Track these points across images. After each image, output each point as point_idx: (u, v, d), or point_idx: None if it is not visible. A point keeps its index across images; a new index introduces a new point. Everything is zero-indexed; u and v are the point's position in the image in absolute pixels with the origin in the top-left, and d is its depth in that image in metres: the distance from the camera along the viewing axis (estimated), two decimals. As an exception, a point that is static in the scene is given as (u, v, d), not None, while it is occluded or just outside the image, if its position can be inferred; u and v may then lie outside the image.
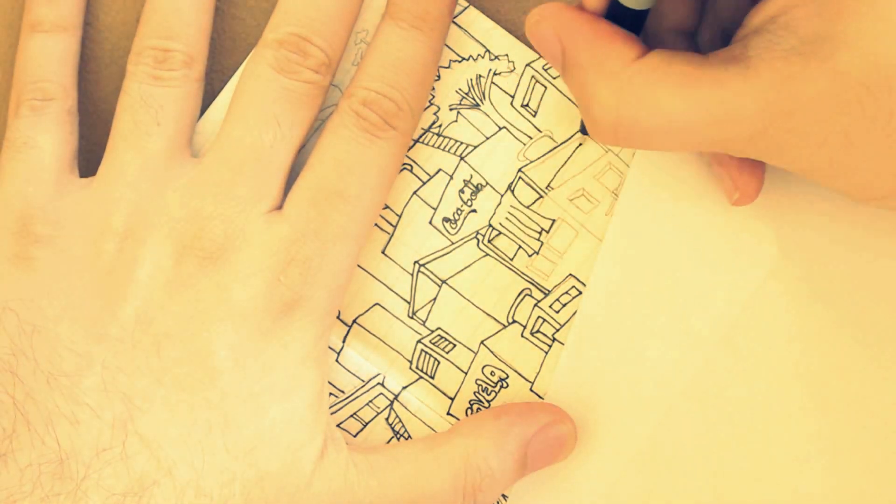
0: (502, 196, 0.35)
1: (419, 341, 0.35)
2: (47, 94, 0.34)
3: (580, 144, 0.35)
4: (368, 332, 0.35)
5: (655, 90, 0.28)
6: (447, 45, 0.35)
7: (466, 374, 0.35)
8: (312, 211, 0.32)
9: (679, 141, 0.29)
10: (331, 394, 0.35)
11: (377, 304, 0.35)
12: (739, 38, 0.29)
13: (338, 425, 0.35)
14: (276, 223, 0.32)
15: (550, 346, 0.36)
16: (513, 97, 0.35)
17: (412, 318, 0.35)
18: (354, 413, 0.35)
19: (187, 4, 0.34)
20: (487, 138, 0.35)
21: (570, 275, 0.35)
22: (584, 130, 0.35)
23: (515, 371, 0.36)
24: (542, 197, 0.35)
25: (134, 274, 0.32)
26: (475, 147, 0.35)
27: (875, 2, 0.26)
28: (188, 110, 0.34)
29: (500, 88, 0.35)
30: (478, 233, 0.35)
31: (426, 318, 0.35)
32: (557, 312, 0.36)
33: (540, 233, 0.35)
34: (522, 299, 0.36)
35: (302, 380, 0.32)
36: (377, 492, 0.32)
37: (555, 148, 0.35)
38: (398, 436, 0.35)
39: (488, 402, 0.36)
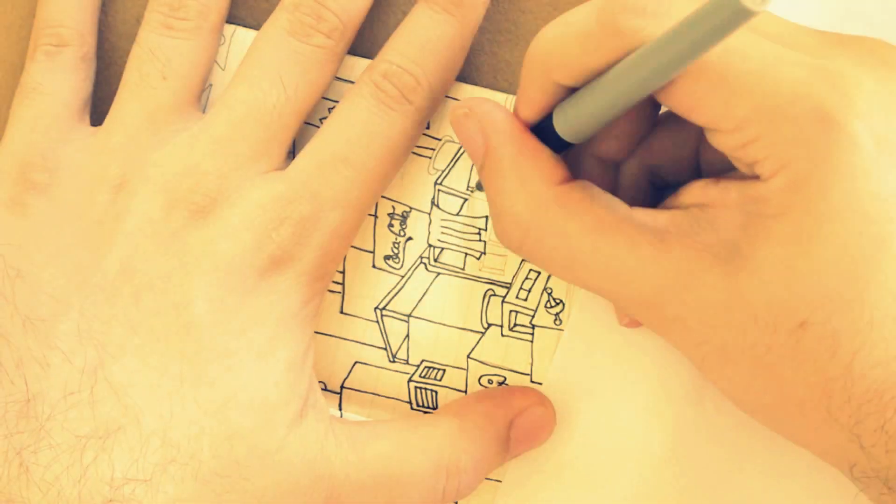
0: (430, 214, 0.35)
1: (409, 380, 0.35)
2: (62, 39, 0.34)
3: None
4: (359, 391, 0.35)
5: (569, 223, 0.29)
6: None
7: (466, 391, 0.35)
8: (314, 172, 0.32)
9: (574, 277, 0.29)
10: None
11: (356, 362, 0.35)
12: (668, 205, 0.29)
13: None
14: (273, 181, 0.32)
15: (533, 334, 0.35)
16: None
17: (394, 361, 0.35)
18: (377, 472, 0.35)
19: None
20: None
21: (524, 260, 0.35)
22: (479, 187, 0.35)
23: (510, 370, 0.35)
24: (466, 200, 0.35)
25: (122, 224, 0.31)
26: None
27: (791, 245, 0.26)
28: (198, 64, 0.34)
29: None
30: (421, 257, 0.35)
31: (407, 357, 0.35)
32: (525, 300, 0.35)
33: (479, 232, 0.35)
34: (489, 301, 0.35)
35: (282, 340, 0.31)
36: (355, 464, 0.31)
37: (459, 149, 0.35)
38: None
39: (497, 409, 0.35)
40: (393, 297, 0.35)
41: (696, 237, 0.28)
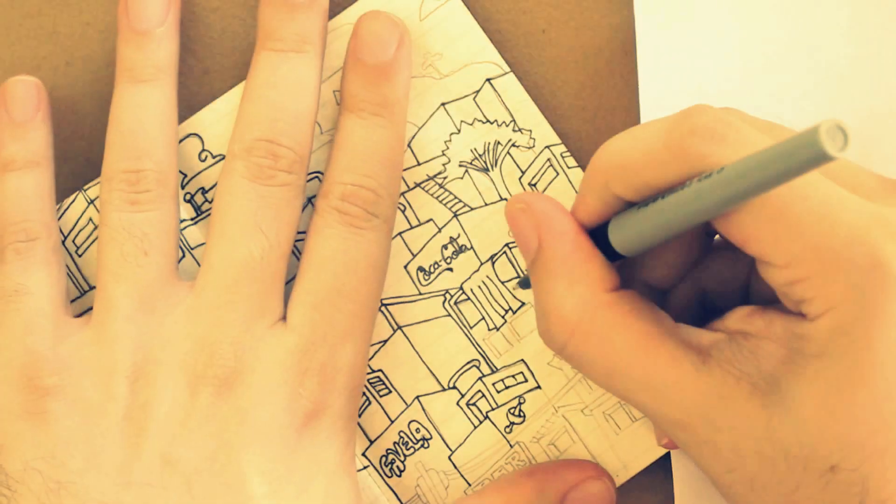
0: (482, 264, 0.35)
1: (357, 377, 0.35)
2: (31, 233, 0.33)
3: (520, 278, 0.35)
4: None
5: (614, 333, 0.29)
6: (475, 103, 0.35)
7: (393, 422, 0.35)
8: (316, 315, 0.32)
9: (613, 387, 0.29)
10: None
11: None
12: (713, 327, 0.30)
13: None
14: (283, 336, 0.32)
15: (481, 423, 0.35)
16: (523, 173, 0.35)
17: (358, 352, 0.35)
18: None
19: (151, 121, 0.33)
20: (486, 204, 0.35)
21: (522, 360, 0.35)
22: (523, 285, 0.35)
23: (440, 435, 0.35)
24: (519, 278, 0.35)
25: (151, 414, 0.31)
26: (472, 209, 0.35)
27: (830, 387, 0.26)
28: (170, 232, 0.33)
29: (514, 161, 0.35)
30: (447, 292, 0.35)
31: (371, 357, 0.35)
32: (499, 392, 0.35)
33: (507, 311, 0.35)
34: (469, 369, 0.35)
35: (336, 493, 0.32)
36: None
37: (547, 235, 0.35)
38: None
39: (405, 455, 0.35)
40: (400, 303, 0.35)
41: (737, 364, 0.28)
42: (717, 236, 0.32)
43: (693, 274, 0.32)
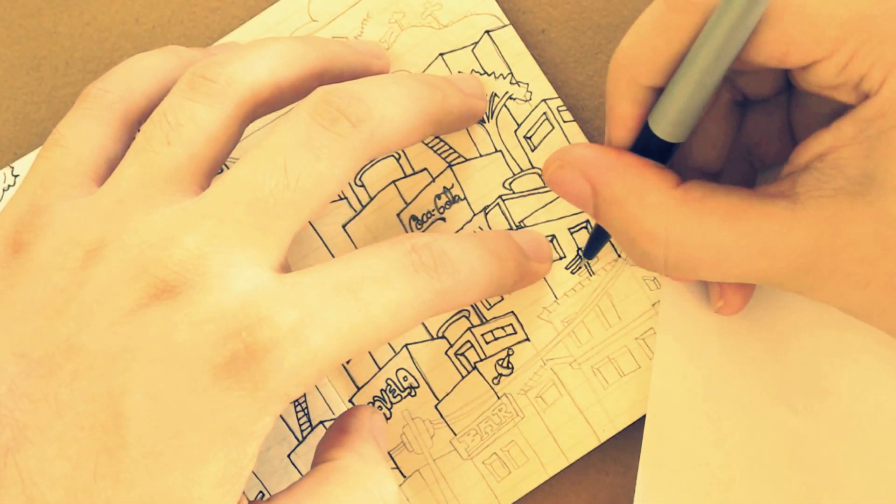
0: (475, 215, 0.35)
1: (347, 323, 0.35)
2: (103, 97, 0.32)
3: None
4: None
5: (703, 221, 0.29)
6: (473, 54, 0.35)
7: (381, 369, 0.35)
8: (318, 293, 0.28)
9: (725, 272, 0.29)
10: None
11: (320, 273, 0.35)
12: (785, 175, 0.29)
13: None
14: (265, 277, 0.28)
15: (469, 373, 0.35)
16: (519, 125, 0.35)
17: (348, 298, 0.35)
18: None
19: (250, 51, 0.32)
20: (481, 156, 0.35)
21: (512, 312, 0.35)
22: (587, 254, 0.35)
23: (427, 384, 0.35)
24: (511, 230, 0.35)
25: (80, 294, 0.28)
26: (467, 160, 0.35)
27: None
28: (214, 135, 0.30)
29: (510, 113, 0.35)
30: (439, 241, 0.35)
31: (361, 304, 0.35)
32: (487, 343, 0.35)
33: (498, 262, 0.35)
34: (458, 319, 0.35)
35: (218, 453, 0.27)
36: None
37: (540, 188, 0.35)
38: (300, 408, 0.35)
39: (392, 403, 0.35)
40: (391, 251, 0.35)
41: (826, 185, 0.28)
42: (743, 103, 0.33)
43: (737, 146, 0.32)
